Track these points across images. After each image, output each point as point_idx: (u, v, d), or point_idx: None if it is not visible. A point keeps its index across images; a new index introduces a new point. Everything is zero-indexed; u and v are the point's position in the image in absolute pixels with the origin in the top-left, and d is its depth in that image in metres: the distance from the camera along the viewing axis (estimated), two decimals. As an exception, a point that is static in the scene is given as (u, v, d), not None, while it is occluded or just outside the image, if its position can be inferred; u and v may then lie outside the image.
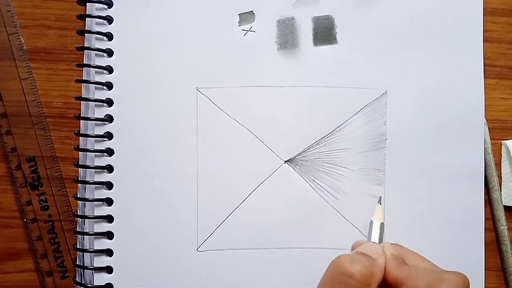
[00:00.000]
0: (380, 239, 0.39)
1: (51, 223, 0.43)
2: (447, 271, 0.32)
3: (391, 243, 0.37)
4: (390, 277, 0.33)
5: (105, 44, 0.42)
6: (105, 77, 0.42)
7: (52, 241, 0.43)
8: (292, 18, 0.43)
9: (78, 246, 0.42)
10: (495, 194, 0.43)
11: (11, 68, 0.43)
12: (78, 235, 0.42)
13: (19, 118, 0.43)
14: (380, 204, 0.41)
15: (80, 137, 0.42)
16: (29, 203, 0.43)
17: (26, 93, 0.43)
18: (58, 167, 0.43)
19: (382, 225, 0.39)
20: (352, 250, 0.38)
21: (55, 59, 0.44)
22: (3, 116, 0.43)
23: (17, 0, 0.44)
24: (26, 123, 0.43)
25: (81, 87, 0.43)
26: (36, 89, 0.43)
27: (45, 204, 0.43)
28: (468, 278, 0.31)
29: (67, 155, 0.43)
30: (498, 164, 0.44)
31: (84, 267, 0.42)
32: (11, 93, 0.43)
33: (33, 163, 0.43)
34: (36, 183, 0.43)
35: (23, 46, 0.43)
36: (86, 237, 0.42)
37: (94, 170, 0.42)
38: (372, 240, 0.38)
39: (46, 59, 0.44)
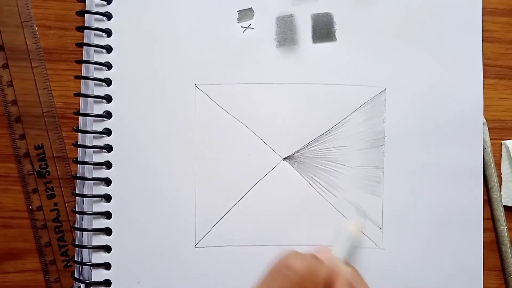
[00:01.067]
0: (346, 253, 0.37)
1: (56, 211, 0.43)
2: None
3: (350, 265, 0.36)
4: None
5: (104, 41, 0.42)
6: (104, 74, 0.42)
7: (57, 229, 0.43)
8: (291, 15, 0.43)
9: (76, 242, 0.42)
10: (494, 194, 0.43)
11: (27, 68, 0.43)
12: (76, 231, 0.42)
13: (32, 117, 0.43)
14: (362, 220, 0.39)
15: (79, 133, 0.42)
16: (35, 190, 0.43)
17: (40, 93, 0.43)
18: (68, 167, 0.43)
19: (354, 238, 0.37)
20: None
21: (55, 59, 0.44)
22: (16, 117, 0.43)
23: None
24: (38, 122, 0.43)
25: (81, 88, 0.43)
26: (50, 88, 0.43)
27: (51, 192, 0.43)
28: None
29: (67, 155, 0.43)
30: (498, 164, 0.44)
31: (82, 263, 0.42)
32: (25, 91, 0.43)
33: (41, 151, 0.43)
34: (44, 171, 0.43)
35: (39, 44, 0.44)
36: (84, 233, 0.42)
37: (92, 166, 0.42)
38: (337, 249, 0.37)
39: (46, 59, 0.44)
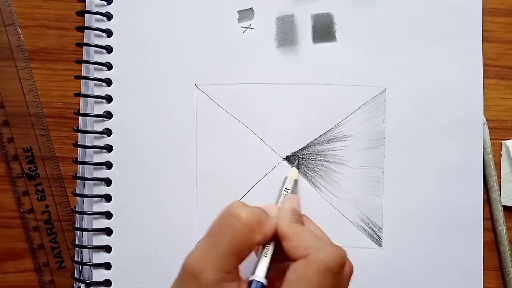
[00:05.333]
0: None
1: (47, 213, 0.43)
2: (332, 243, 0.33)
3: (296, 209, 0.37)
4: (279, 230, 0.33)
5: (104, 41, 0.42)
6: (104, 74, 0.42)
7: (49, 231, 0.43)
8: (292, 16, 0.43)
9: (76, 242, 0.42)
10: (494, 194, 0.43)
11: (11, 68, 0.43)
12: (76, 231, 0.42)
13: (19, 118, 0.43)
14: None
15: (79, 133, 0.42)
16: (26, 193, 0.43)
17: (26, 93, 0.43)
18: (57, 168, 0.43)
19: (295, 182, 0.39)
20: None
21: (55, 59, 0.44)
22: (4, 120, 0.43)
23: (17, 0, 0.44)
24: (25, 123, 0.43)
25: (81, 88, 0.43)
26: (36, 90, 0.43)
27: (42, 194, 0.43)
28: (347, 253, 0.32)
29: (67, 155, 0.43)
30: (498, 164, 0.44)
31: (82, 263, 0.42)
32: (11, 93, 0.43)
33: (30, 154, 0.43)
34: (34, 173, 0.43)
35: (23, 46, 0.43)
36: (84, 233, 0.42)
37: (93, 166, 0.42)
38: (282, 194, 0.39)
39: (46, 59, 0.44)
